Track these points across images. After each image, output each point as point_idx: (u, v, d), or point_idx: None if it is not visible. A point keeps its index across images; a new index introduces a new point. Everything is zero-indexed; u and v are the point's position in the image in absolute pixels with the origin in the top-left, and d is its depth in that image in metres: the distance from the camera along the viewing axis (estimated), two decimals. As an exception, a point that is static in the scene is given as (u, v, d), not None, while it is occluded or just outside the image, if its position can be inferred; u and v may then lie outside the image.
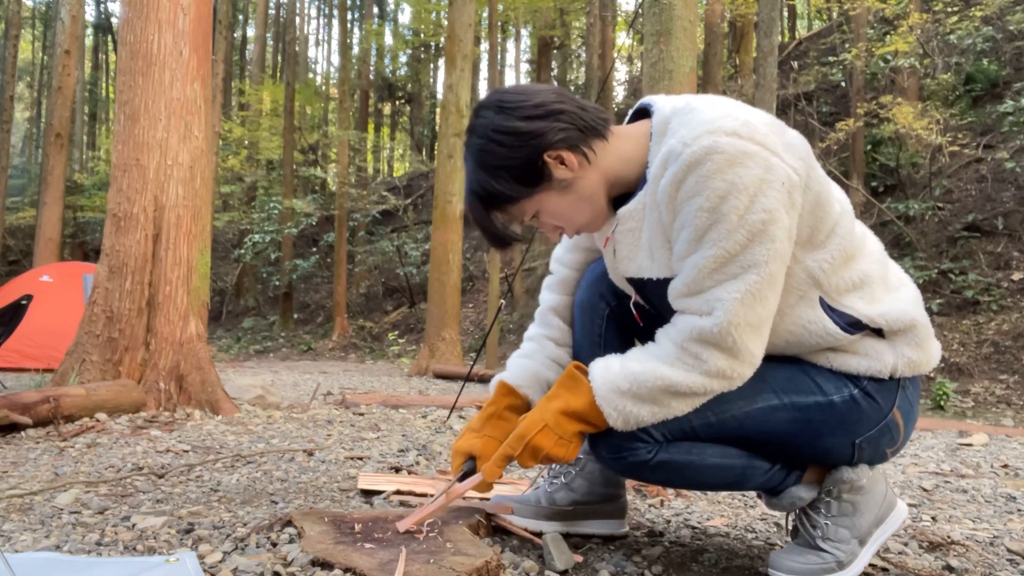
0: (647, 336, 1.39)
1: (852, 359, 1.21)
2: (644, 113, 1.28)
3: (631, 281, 1.31)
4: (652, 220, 1.21)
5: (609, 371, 1.18)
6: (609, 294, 1.41)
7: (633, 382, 1.15)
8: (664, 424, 1.20)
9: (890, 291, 1.24)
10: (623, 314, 1.41)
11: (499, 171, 1.20)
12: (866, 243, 1.25)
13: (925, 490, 2.32)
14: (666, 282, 1.22)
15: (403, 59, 26.64)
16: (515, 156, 1.19)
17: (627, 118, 1.32)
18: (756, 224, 1.08)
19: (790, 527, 1.38)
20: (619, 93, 22.18)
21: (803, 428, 1.22)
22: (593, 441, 1.26)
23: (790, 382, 1.22)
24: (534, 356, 1.46)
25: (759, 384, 1.19)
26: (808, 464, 1.31)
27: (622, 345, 1.42)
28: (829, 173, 10.95)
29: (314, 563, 1.20)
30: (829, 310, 1.19)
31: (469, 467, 1.36)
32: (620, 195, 1.29)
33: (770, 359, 1.19)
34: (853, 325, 1.20)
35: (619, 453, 1.23)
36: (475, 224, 1.28)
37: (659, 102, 1.23)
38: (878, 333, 1.22)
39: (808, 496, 1.30)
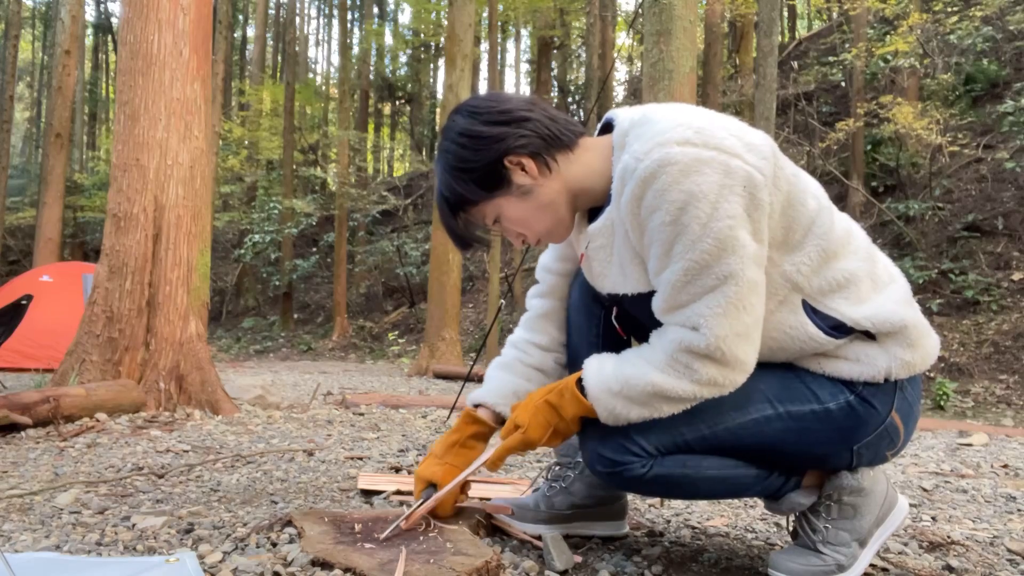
0: (643, 334, 1.39)
1: (844, 365, 1.19)
2: (610, 127, 1.27)
3: (609, 296, 1.31)
4: (620, 236, 1.20)
5: (603, 372, 1.18)
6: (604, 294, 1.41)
7: (624, 384, 1.15)
8: (658, 438, 1.19)
9: (878, 289, 1.21)
10: (617, 317, 1.40)
11: (461, 173, 1.22)
12: (851, 239, 1.22)
13: (925, 490, 2.32)
14: (641, 297, 1.21)
15: (403, 59, 26.62)
16: (476, 159, 1.21)
17: (596, 132, 1.32)
18: (723, 231, 1.06)
19: (791, 528, 1.37)
20: (619, 93, 22.18)
21: (799, 437, 1.20)
22: (587, 457, 1.26)
23: (785, 390, 1.20)
24: (514, 368, 1.47)
25: (753, 393, 1.18)
26: (807, 468, 1.30)
27: (619, 345, 1.41)
28: (828, 173, 10.96)
29: (314, 563, 1.20)
30: (812, 313, 1.17)
31: (428, 495, 1.38)
32: (594, 208, 1.28)
33: (764, 366, 1.18)
34: (837, 328, 1.17)
35: (613, 468, 1.21)
36: (444, 227, 1.30)
37: (620, 115, 1.23)
38: (868, 335, 1.19)
39: (807, 501, 1.29)
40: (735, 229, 1.06)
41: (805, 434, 1.20)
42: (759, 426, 1.19)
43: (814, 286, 1.17)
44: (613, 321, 1.39)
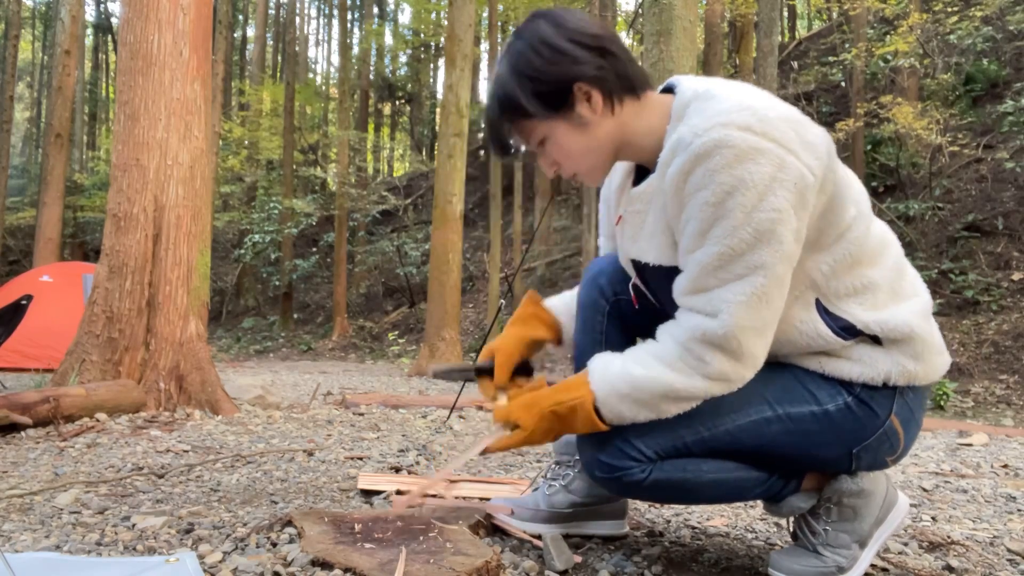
0: (648, 333, 1.38)
1: (845, 365, 1.18)
2: (671, 92, 1.24)
3: (632, 262, 1.29)
4: (657, 205, 1.18)
5: (609, 372, 1.17)
6: (608, 290, 1.41)
7: (633, 387, 1.13)
8: (657, 441, 1.18)
9: (897, 300, 1.20)
10: (623, 309, 1.40)
11: (527, 81, 1.16)
12: (884, 250, 1.21)
13: (925, 490, 2.32)
14: (660, 269, 1.20)
15: (403, 59, 26.63)
16: (548, 72, 1.15)
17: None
18: (764, 223, 1.04)
19: (791, 529, 1.37)
20: (619, 93, 22.13)
21: (798, 439, 1.20)
22: (586, 462, 1.24)
23: (784, 392, 1.19)
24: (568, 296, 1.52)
25: (752, 395, 1.17)
26: (806, 471, 1.29)
27: (623, 340, 1.41)
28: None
29: (314, 563, 1.20)
30: (824, 312, 1.16)
31: (488, 364, 1.38)
32: (639, 173, 1.27)
33: (763, 367, 1.17)
34: (846, 330, 1.16)
35: (612, 474, 1.20)
36: (486, 125, 1.24)
37: (684, 83, 1.20)
38: (875, 340, 1.18)
39: (807, 504, 1.28)
40: (776, 223, 1.05)
41: (804, 436, 1.19)
42: (758, 428, 1.19)
43: (832, 288, 1.16)
44: (630, 289, 1.36)
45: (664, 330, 1.17)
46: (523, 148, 1.25)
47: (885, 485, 1.30)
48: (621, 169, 1.35)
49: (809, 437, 1.19)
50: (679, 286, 1.14)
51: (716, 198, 1.05)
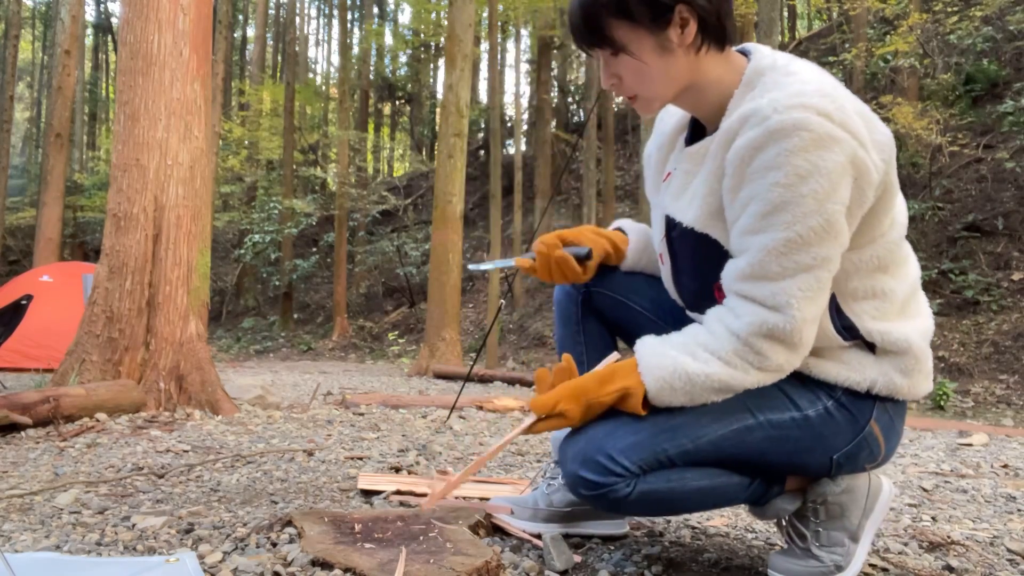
0: (619, 318, 1.43)
1: (833, 367, 1.18)
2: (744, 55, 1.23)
3: (666, 219, 1.28)
4: (708, 169, 1.17)
5: (662, 364, 1.14)
6: (580, 283, 1.45)
7: (688, 383, 1.12)
8: (640, 455, 1.16)
9: (904, 317, 1.20)
10: (593, 299, 1.46)
11: None
12: (907, 266, 1.21)
13: (925, 490, 2.32)
14: (692, 233, 1.19)
15: (403, 59, 26.61)
16: None
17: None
18: (834, 214, 1.04)
19: (784, 534, 1.37)
20: (619, 93, 22.12)
21: (780, 445, 1.19)
22: (569, 481, 1.21)
23: (764, 399, 1.18)
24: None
25: (733, 403, 1.16)
26: (788, 475, 1.29)
27: (600, 327, 1.46)
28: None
29: (314, 563, 1.20)
30: (834, 308, 1.16)
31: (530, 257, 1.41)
32: (694, 132, 1.26)
33: None
34: (848, 329, 1.17)
35: (597, 491, 1.17)
36: (576, 11, 1.17)
37: (760, 51, 1.18)
38: (869, 348, 1.18)
39: (792, 506, 1.28)
40: (841, 215, 1.05)
41: (786, 442, 1.19)
42: (740, 436, 1.18)
43: (850, 287, 1.16)
44: (659, 243, 1.35)
45: (719, 319, 1.14)
46: (591, 49, 1.19)
47: (867, 476, 1.29)
48: (671, 126, 1.34)
49: (791, 443, 1.19)
50: (737, 270, 1.11)
51: (789, 180, 1.03)
